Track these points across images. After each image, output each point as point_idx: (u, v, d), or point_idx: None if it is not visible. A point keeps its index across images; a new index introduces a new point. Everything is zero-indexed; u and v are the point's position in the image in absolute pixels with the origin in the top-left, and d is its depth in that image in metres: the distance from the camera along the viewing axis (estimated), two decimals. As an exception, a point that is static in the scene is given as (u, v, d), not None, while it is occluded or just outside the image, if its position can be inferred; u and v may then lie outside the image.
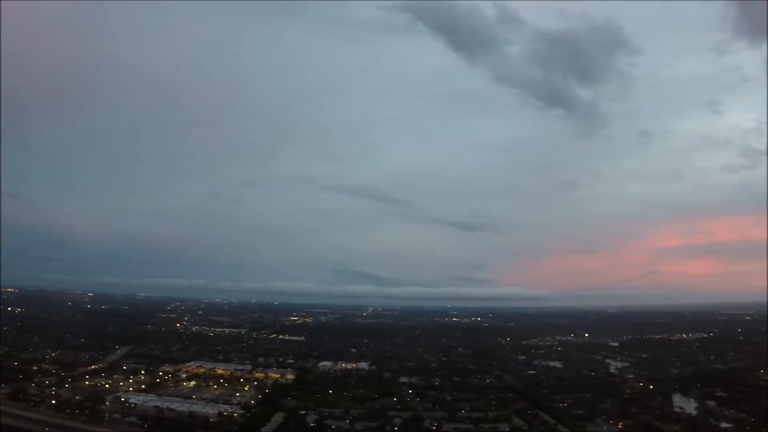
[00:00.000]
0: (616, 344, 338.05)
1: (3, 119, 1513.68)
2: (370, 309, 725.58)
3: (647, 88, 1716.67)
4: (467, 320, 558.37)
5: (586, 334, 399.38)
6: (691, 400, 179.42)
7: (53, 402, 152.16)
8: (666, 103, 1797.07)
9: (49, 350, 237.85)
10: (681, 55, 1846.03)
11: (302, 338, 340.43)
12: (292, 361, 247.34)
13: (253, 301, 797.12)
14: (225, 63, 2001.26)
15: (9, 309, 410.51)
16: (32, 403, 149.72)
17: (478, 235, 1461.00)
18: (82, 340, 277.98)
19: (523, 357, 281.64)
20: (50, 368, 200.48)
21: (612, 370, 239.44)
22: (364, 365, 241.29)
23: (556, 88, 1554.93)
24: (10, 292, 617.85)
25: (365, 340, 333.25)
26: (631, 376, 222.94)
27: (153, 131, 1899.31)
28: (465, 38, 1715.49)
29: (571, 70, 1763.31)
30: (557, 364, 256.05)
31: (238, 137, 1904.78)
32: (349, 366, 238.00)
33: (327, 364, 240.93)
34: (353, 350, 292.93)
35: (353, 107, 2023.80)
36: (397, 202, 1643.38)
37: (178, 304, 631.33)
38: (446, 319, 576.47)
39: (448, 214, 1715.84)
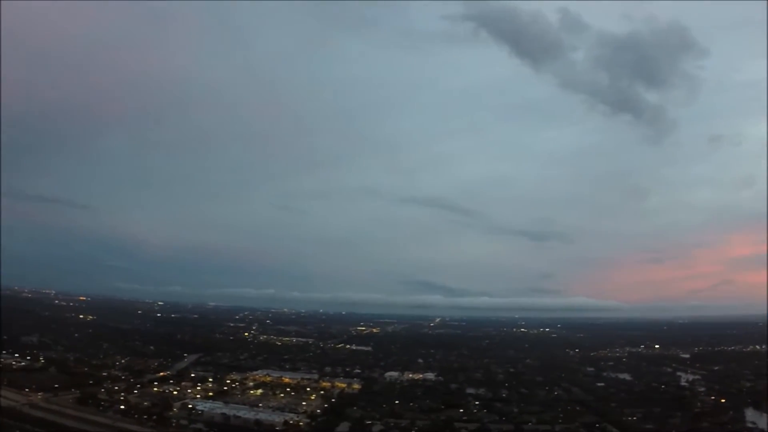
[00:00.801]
0: (687, 356, 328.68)
1: (75, 132, 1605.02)
2: (438, 319, 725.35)
3: (716, 92, 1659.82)
4: (535, 331, 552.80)
5: (657, 346, 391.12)
6: (765, 414, 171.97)
7: (122, 407, 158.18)
8: (736, 107, 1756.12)
9: (118, 357, 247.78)
10: (750, 56, 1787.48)
11: (369, 348, 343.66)
12: (358, 371, 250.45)
13: (321, 311, 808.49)
14: (293, 76, 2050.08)
15: (81, 316, 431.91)
16: (101, 408, 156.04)
17: (547, 245, 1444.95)
18: (152, 347, 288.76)
19: (592, 369, 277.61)
20: (120, 374, 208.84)
21: (683, 383, 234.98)
22: (430, 376, 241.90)
23: (623, 93, 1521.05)
24: (82, 300, 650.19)
25: (432, 351, 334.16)
26: (703, 389, 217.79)
27: (222, 144, 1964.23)
28: (529, 45, 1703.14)
29: (638, 74, 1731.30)
30: (627, 377, 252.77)
31: (307, 149, 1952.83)
32: (416, 376, 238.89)
33: (393, 374, 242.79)
34: (420, 361, 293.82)
35: (419, 118, 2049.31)
36: (464, 212, 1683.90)
37: (246, 313, 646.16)
38: (514, 329, 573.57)
39: (516, 224, 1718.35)
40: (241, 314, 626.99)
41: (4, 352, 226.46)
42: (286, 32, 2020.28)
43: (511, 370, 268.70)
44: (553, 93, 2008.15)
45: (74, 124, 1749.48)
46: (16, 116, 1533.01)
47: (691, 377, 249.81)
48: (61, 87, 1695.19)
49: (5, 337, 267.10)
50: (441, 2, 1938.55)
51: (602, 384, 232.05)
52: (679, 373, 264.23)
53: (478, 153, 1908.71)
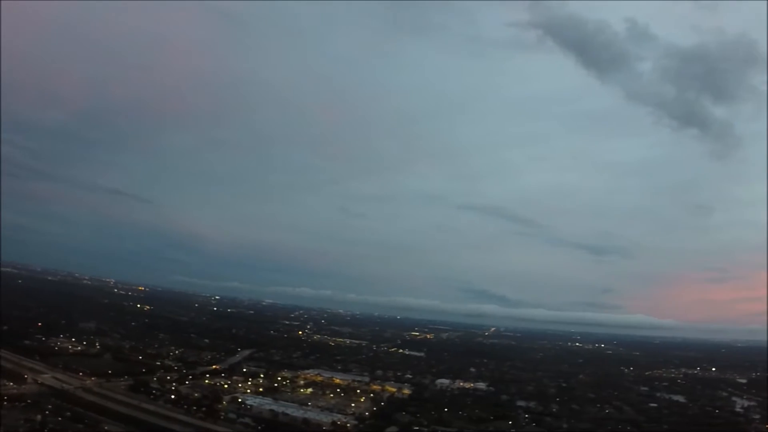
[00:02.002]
0: (743, 381, 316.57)
1: (142, 129, 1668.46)
2: (493, 329, 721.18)
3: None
4: (590, 346, 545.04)
5: (713, 369, 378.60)
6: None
7: (172, 397, 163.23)
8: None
9: (173, 347, 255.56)
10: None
11: (422, 354, 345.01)
12: (409, 376, 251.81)
13: (376, 314, 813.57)
14: (357, 79, 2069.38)
15: (138, 306, 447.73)
16: (152, 396, 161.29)
17: (607, 259, 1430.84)
18: (206, 340, 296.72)
19: (646, 388, 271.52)
20: (173, 365, 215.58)
21: (737, 409, 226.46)
22: (482, 385, 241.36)
23: (690, 106, 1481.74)
24: (141, 290, 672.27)
25: (485, 360, 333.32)
26: (758, 416, 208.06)
27: (284, 145, 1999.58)
28: (595, 55, 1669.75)
29: (705, 88, 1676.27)
30: (680, 399, 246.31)
31: (368, 153, 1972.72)
32: (467, 385, 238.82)
33: (445, 381, 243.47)
34: (472, 369, 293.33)
35: (482, 125, 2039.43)
36: (525, 221, 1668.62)
37: (302, 312, 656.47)
38: (569, 344, 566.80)
39: (577, 236, 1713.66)
40: (297, 313, 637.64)
41: (61, 336, 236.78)
42: (352, 35, 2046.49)
43: (564, 384, 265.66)
44: (618, 104, 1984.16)
45: (142, 121, 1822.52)
46: (87, 112, 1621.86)
47: (746, 403, 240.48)
48: (130, 85, 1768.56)
49: (64, 321, 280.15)
50: (508, 9, 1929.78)
51: (655, 405, 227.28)
52: (734, 399, 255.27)
53: (541, 162, 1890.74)
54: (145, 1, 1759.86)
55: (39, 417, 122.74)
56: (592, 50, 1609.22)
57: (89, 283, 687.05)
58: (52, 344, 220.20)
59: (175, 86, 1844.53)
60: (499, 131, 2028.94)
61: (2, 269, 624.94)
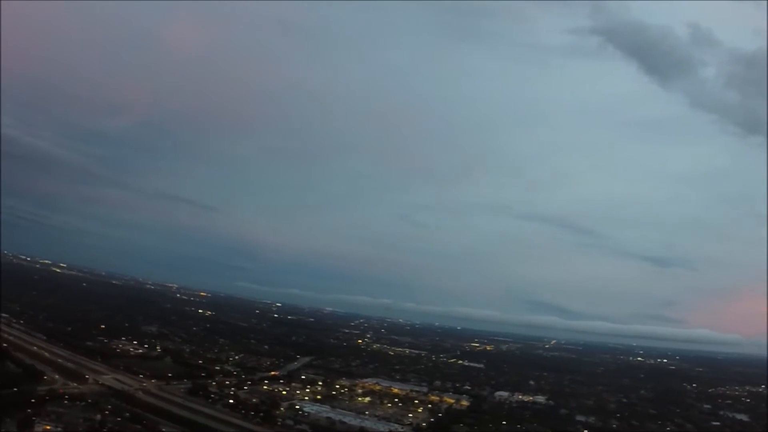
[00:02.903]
0: None
1: (204, 139, 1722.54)
2: (553, 341, 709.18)
3: None
4: (652, 361, 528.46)
5: None
6: None
7: (230, 401, 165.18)
8: None
9: (233, 353, 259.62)
10: None
11: (481, 365, 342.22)
12: (468, 388, 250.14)
13: (436, 324, 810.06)
14: (415, 88, 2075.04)
15: (200, 311, 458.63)
16: (210, 400, 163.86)
17: (669, 271, 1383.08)
18: (266, 346, 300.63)
19: (708, 406, 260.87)
20: (232, 370, 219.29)
21: None
22: (541, 399, 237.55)
23: (756, 113, 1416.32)
24: (203, 295, 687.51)
25: (545, 373, 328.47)
26: None
27: (344, 154, 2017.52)
28: (657, 61, 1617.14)
29: None
30: (744, 417, 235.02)
31: (429, 162, 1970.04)
32: (526, 398, 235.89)
33: (503, 393, 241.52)
34: (531, 382, 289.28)
35: (543, 133, 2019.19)
36: (585, 232, 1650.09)
37: (362, 320, 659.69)
38: (630, 358, 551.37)
39: (638, 247, 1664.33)
40: (357, 321, 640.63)
41: (123, 338, 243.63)
42: (411, 44, 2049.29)
43: (624, 400, 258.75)
44: (682, 111, 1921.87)
45: (206, 130, 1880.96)
46: (153, 120, 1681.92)
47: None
48: (196, 94, 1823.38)
49: (126, 324, 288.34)
50: (567, 16, 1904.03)
51: (717, 423, 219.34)
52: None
53: (602, 171, 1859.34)
54: (207, 14, 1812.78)
55: (98, 416, 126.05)
56: (654, 56, 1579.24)
57: (153, 287, 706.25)
58: (114, 346, 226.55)
59: (238, 96, 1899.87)
60: (561, 139, 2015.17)
61: (68, 272, 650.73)
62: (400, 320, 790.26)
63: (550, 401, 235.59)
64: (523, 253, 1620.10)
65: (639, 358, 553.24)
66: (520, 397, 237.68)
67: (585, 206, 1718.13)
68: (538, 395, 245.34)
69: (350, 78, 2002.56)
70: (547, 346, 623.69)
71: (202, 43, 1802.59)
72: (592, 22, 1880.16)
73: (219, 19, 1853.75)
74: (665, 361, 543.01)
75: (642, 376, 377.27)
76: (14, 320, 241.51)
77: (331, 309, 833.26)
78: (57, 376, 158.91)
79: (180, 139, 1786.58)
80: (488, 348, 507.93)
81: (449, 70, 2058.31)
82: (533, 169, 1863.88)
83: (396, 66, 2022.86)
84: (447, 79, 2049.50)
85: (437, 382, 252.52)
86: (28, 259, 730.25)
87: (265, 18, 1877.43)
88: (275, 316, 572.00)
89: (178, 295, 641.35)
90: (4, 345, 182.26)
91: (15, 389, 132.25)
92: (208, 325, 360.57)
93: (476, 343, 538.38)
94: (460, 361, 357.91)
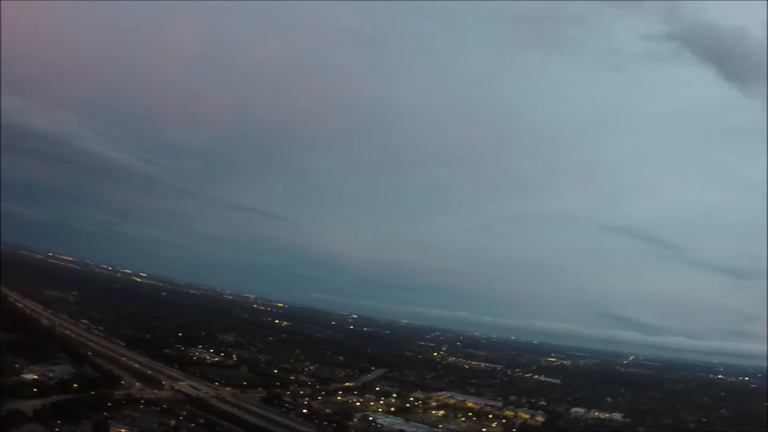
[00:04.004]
0: None
1: (280, 152, 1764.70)
2: (631, 357, 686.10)
3: None
4: (733, 379, 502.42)
5: None
6: None
7: (304, 411, 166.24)
8: None
9: (308, 363, 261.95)
10: None
11: (557, 381, 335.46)
12: (543, 403, 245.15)
13: (513, 338, 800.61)
14: (492, 99, 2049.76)
15: (276, 321, 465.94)
16: (284, 410, 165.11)
17: (752, 284, 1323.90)
18: (341, 357, 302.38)
19: None
20: (306, 380, 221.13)
21: None
22: (617, 416, 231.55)
23: None
24: (279, 306, 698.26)
25: (622, 390, 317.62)
26: None
27: (422, 166, 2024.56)
28: (736, 65, 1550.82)
29: None
30: None
31: (507, 173, 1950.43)
32: (602, 415, 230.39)
33: (579, 410, 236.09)
34: (608, 399, 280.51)
35: (621, 142, 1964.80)
36: (666, 243, 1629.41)
37: (437, 333, 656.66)
38: (710, 375, 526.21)
39: (721, 259, 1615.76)
40: (432, 334, 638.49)
41: (200, 347, 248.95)
42: (487, 54, 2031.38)
43: (704, 419, 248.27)
44: (763, 118, 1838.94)
45: (282, 143, 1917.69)
46: (231, 135, 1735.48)
47: None
48: (271, 108, 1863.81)
49: (203, 333, 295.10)
50: (642, 21, 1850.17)
51: None
52: None
53: (683, 181, 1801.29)
54: (281, 28, 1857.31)
55: (173, 422, 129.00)
56: (732, 60, 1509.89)
57: (230, 297, 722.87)
58: (191, 354, 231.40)
59: (314, 108, 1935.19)
60: (639, 148, 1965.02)
61: (148, 282, 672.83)
62: (476, 333, 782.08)
63: (627, 419, 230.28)
64: (601, 265, 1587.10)
65: (719, 376, 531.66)
66: (597, 414, 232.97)
67: (664, 217, 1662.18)
68: (614, 412, 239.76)
69: (426, 88, 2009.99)
70: (624, 362, 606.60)
71: (277, 57, 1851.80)
72: (667, 26, 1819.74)
73: (294, 33, 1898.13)
74: (747, 379, 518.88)
75: (722, 394, 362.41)
76: (94, 327, 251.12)
77: (407, 321, 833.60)
78: (134, 382, 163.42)
79: (257, 152, 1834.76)
80: (565, 363, 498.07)
81: (528, 79, 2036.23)
82: (614, 179, 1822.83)
83: (473, 76, 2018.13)
84: (523, 88, 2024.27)
85: (512, 397, 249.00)
86: (109, 268, 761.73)
87: (340, 30, 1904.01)
88: (351, 327, 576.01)
89: (255, 306, 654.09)
90: (84, 350, 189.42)
91: (92, 393, 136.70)
92: (283, 336, 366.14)
93: (553, 357, 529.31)
94: (536, 376, 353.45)
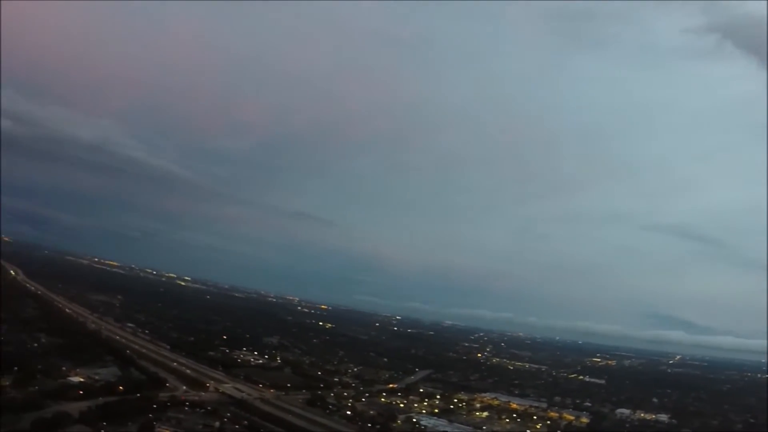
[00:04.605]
0: None
1: (323, 156, 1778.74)
2: (678, 357, 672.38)
3: None
4: None
5: None
6: None
7: (347, 413, 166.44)
8: None
9: (352, 365, 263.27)
10: None
11: (602, 381, 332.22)
12: (588, 404, 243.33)
13: (557, 338, 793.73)
14: (533, 98, 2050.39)
15: (320, 323, 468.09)
16: (327, 411, 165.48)
17: None
18: (385, 359, 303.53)
19: None
20: (350, 381, 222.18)
21: None
22: (663, 417, 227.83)
23: None
24: (323, 308, 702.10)
25: (668, 391, 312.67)
26: None
27: (465, 166, 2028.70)
28: None
29: None
30: None
31: (550, 172, 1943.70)
32: (648, 417, 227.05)
33: (625, 411, 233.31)
34: (654, 400, 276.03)
35: (665, 138, 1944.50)
36: (712, 241, 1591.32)
37: (481, 334, 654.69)
38: (758, 375, 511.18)
39: (765, 256, 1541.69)
40: (476, 335, 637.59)
41: (244, 349, 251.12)
42: (527, 54, 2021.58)
43: (751, 420, 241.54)
44: None
45: (325, 147, 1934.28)
46: (273, 141, 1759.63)
47: None
48: (314, 112, 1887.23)
49: (248, 336, 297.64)
50: (682, 14, 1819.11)
51: None
52: None
53: (728, 177, 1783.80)
54: (321, 33, 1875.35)
55: (217, 423, 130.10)
56: None
57: (274, 300, 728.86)
58: (235, 356, 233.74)
59: (355, 112, 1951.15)
60: (683, 145, 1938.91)
61: (192, 285, 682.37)
62: (521, 334, 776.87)
63: (673, 420, 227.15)
64: (646, 264, 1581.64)
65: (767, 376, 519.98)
66: (642, 415, 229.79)
67: (708, 215, 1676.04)
68: (660, 413, 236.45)
69: (467, 89, 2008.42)
70: (671, 362, 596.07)
71: (318, 62, 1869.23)
72: (707, 18, 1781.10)
73: (334, 38, 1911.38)
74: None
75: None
76: (140, 330, 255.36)
77: (451, 322, 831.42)
78: (179, 384, 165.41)
79: (299, 156, 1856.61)
80: (610, 363, 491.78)
81: (568, 78, 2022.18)
82: (658, 177, 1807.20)
83: (512, 74, 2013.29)
84: (563, 86, 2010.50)
85: (557, 398, 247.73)
86: (155, 272, 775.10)
87: (381, 34, 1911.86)
88: (395, 329, 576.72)
89: (299, 308, 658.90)
90: (129, 353, 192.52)
91: (138, 395, 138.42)
92: (327, 338, 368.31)
93: (598, 358, 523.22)
94: (581, 377, 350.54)
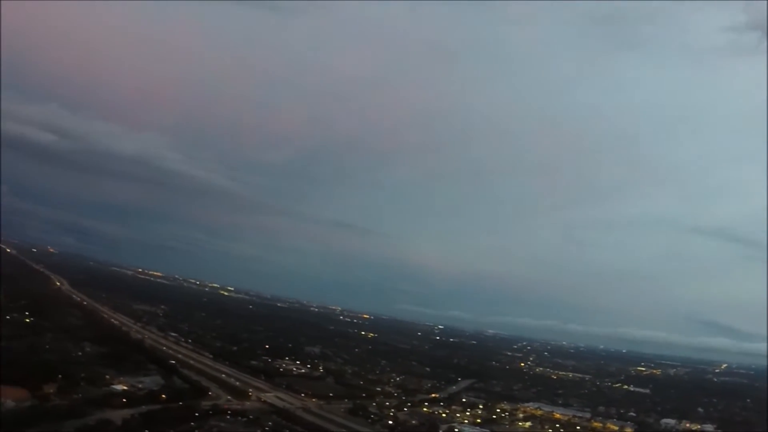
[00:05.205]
0: None
1: (361, 165, 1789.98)
2: (724, 365, 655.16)
3: None
4: None
5: None
6: None
7: (389, 422, 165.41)
8: None
9: (394, 374, 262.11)
10: None
11: (647, 391, 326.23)
12: (633, 415, 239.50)
13: (601, 347, 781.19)
14: (571, 103, 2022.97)
15: (362, 333, 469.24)
16: (369, 421, 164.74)
17: None
18: (427, 368, 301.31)
19: None
20: (392, 391, 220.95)
21: None
22: (709, 428, 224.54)
23: None
24: (365, 317, 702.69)
25: (714, 400, 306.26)
26: None
27: (504, 174, 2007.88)
28: None
29: None
30: None
31: (590, 177, 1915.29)
32: (693, 427, 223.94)
33: (670, 421, 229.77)
34: (700, 409, 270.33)
35: (708, 140, 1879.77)
36: (758, 245, 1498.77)
37: (524, 343, 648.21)
38: None
39: None
40: (519, 344, 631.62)
41: (287, 358, 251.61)
42: (563, 58, 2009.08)
43: None
44: None
45: (363, 157, 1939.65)
46: (313, 151, 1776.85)
47: None
48: (351, 122, 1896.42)
49: (290, 345, 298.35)
50: (721, 12, 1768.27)
51: None
52: None
53: None
54: (358, 43, 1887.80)
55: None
56: None
57: (316, 310, 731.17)
58: (278, 365, 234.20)
59: (394, 120, 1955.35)
60: (727, 146, 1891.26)
61: (235, 295, 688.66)
62: (564, 343, 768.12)
63: (719, 430, 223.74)
64: (690, 269, 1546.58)
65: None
66: (688, 425, 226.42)
67: (753, 218, 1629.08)
68: (706, 423, 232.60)
69: (504, 94, 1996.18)
70: (717, 371, 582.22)
71: (355, 71, 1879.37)
72: (748, 16, 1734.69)
73: (370, 47, 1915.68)
74: None
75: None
76: (183, 339, 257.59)
77: (493, 331, 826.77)
78: (221, 393, 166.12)
79: (340, 166, 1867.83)
80: (655, 372, 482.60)
81: (606, 80, 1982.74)
82: (702, 179, 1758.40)
83: (548, 78, 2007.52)
84: (605, 90, 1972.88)
85: (601, 408, 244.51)
86: (197, 283, 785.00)
87: (416, 42, 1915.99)
88: (437, 338, 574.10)
89: (341, 318, 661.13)
90: (173, 362, 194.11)
91: (180, 403, 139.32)
92: (369, 347, 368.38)
93: (642, 366, 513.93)
94: (625, 386, 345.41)
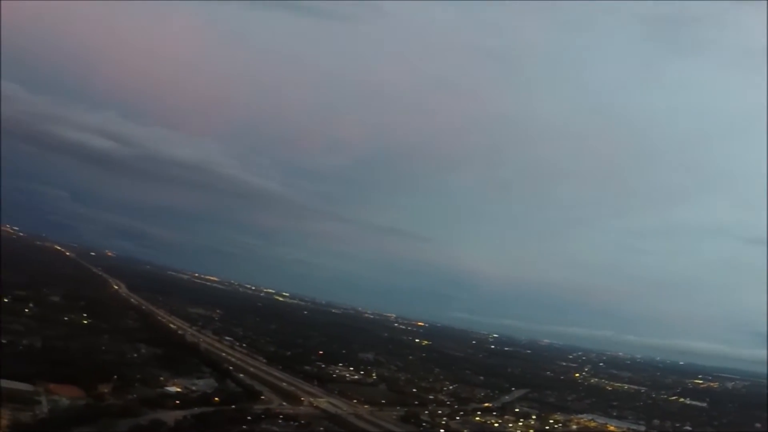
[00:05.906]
0: None
1: (418, 172, 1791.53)
2: None
3: None
4: None
5: None
6: None
7: (441, 430, 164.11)
8: None
9: (447, 383, 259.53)
10: None
11: (704, 404, 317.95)
12: (689, 429, 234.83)
13: (658, 358, 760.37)
14: (631, 108, 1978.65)
15: (416, 340, 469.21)
16: (421, 429, 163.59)
17: None
18: (481, 377, 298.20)
19: None
20: (445, 399, 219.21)
21: None
22: None
23: None
24: (420, 325, 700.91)
25: None
26: None
27: (560, 180, 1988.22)
28: None
29: None
30: None
31: (649, 184, 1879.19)
32: None
33: None
34: (757, 425, 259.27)
35: (761, 146, 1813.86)
36: None
37: (580, 353, 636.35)
38: None
39: None
40: (574, 354, 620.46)
41: (340, 364, 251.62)
42: (625, 63, 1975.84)
43: None
44: None
45: (420, 163, 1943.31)
46: (369, 157, 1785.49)
47: None
48: (409, 129, 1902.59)
49: (343, 351, 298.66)
50: None
51: None
52: None
53: None
54: (414, 50, 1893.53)
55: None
56: None
57: (371, 316, 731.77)
58: (331, 371, 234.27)
59: (448, 127, 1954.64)
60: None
61: (290, 301, 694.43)
62: (620, 353, 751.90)
63: None
64: (751, 279, 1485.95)
65: None
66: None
67: None
68: None
69: (561, 99, 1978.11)
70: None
71: (410, 77, 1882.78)
72: None
73: (423, 54, 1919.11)
74: None
75: None
76: (237, 343, 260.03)
77: (548, 341, 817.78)
78: (274, 397, 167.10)
79: (395, 173, 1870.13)
80: (712, 385, 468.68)
81: (668, 85, 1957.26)
82: (758, 186, 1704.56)
83: (606, 82, 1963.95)
84: (666, 96, 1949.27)
85: (655, 421, 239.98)
86: (253, 288, 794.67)
87: (472, 48, 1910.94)
88: (491, 346, 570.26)
89: (396, 325, 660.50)
90: (226, 365, 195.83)
91: (233, 406, 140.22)
92: (423, 354, 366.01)
93: (699, 379, 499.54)
94: (681, 399, 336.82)
